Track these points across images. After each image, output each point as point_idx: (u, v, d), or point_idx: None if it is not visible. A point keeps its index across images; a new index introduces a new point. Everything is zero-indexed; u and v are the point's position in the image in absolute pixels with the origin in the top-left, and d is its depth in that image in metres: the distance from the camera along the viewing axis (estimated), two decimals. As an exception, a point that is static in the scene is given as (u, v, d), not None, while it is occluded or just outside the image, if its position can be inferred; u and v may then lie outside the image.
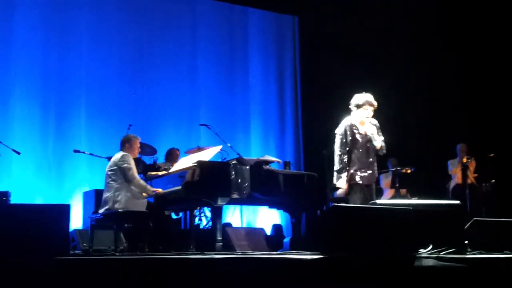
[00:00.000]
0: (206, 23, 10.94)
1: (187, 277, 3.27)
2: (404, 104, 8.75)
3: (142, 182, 6.48)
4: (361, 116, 6.32)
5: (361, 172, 6.16)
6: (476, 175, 9.05)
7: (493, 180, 8.75)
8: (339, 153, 6.21)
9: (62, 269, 3.19)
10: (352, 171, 6.16)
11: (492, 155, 8.55)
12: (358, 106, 6.31)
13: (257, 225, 10.06)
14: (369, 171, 6.21)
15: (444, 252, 3.90)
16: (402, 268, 3.46)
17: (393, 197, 8.53)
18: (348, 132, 6.23)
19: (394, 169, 8.58)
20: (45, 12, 9.48)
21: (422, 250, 3.92)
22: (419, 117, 9.68)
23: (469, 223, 4.70)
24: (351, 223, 3.56)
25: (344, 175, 6.11)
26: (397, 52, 10.11)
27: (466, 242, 4.36)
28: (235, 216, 9.86)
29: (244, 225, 9.87)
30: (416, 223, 3.72)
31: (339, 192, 6.18)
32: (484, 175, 8.92)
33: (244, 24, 11.35)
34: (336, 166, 6.21)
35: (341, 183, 6.17)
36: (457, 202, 4.74)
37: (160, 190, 6.47)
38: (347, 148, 6.21)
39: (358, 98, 6.35)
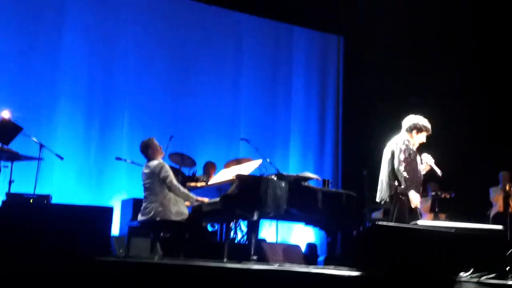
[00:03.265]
0: (252, 39, 11.04)
1: (222, 286, 3.27)
2: (447, 128, 8.63)
3: (184, 189, 6.45)
4: (419, 140, 6.11)
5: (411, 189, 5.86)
6: (518, 203, 8.86)
7: (535, 210, 8.56)
8: (402, 168, 5.85)
9: (102, 270, 3.22)
10: (403, 186, 5.87)
11: (536, 185, 8.38)
12: (419, 130, 6.09)
13: (292, 242, 10.01)
14: (418, 193, 5.98)
15: (485, 277, 3.83)
16: (441, 290, 3.41)
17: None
18: (411, 148, 5.98)
19: (434, 193, 8.47)
20: (93, 22, 9.70)
21: (463, 274, 3.85)
22: (461, 142, 9.54)
23: (511, 250, 4.60)
24: (391, 242, 3.52)
25: (413, 192, 5.77)
26: (442, 75, 10.01)
27: (508, 268, 4.27)
28: (270, 231, 9.82)
29: (279, 241, 9.82)
30: (458, 246, 3.66)
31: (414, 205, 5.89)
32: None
33: (289, 42, 11.42)
34: (402, 183, 5.82)
35: (415, 198, 5.79)
36: (500, 227, 4.64)
37: (205, 199, 6.44)
38: (405, 163, 5.92)
39: (419, 120, 6.12)
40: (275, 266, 3.99)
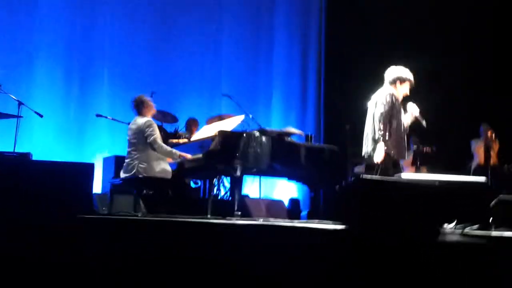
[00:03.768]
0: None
1: (206, 241, 3.25)
2: (429, 82, 8.60)
3: (167, 147, 6.42)
4: (403, 91, 6.04)
5: (395, 146, 5.87)
6: (498, 155, 8.92)
7: (517, 162, 8.64)
8: (382, 121, 5.81)
9: (84, 228, 3.19)
10: (388, 140, 5.84)
11: (517, 136, 8.43)
12: (402, 81, 6.02)
13: (275, 197, 10.05)
14: (402, 147, 5.97)
15: (468, 228, 3.86)
16: (426, 242, 3.43)
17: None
18: (395, 101, 5.92)
19: (416, 147, 8.49)
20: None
21: (446, 225, 3.88)
22: (443, 96, 9.53)
23: (494, 201, 4.64)
24: (375, 195, 3.51)
25: (382, 146, 5.77)
26: (426, 28, 9.93)
27: (491, 219, 4.31)
28: (254, 187, 9.84)
29: (262, 197, 9.85)
30: (441, 198, 3.67)
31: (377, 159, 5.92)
32: (507, 157, 8.79)
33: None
34: (377, 135, 5.83)
35: (378, 154, 5.80)
36: (483, 179, 4.67)
37: (188, 155, 6.40)
38: (389, 117, 5.87)
39: (402, 72, 6.05)
40: (259, 221, 3.99)
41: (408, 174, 5.49)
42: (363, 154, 6.06)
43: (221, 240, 3.28)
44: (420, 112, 6.08)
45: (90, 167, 3.89)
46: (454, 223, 3.95)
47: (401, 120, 5.98)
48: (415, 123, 6.15)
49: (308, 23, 11.52)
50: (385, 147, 5.77)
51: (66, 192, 3.62)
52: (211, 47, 10.60)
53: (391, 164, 5.79)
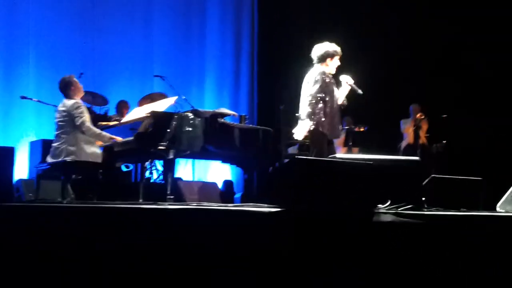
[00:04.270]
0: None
1: (138, 227, 3.14)
2: (358, 62, 8.63)
3: (96, 130, 6.23)
4: (334, 65, 5.99)
5: (329, 124, 5.83)
6: (427, 135, 9.11)
7: (445, 141, 8.82)
8: (313, 100, 5.76)
9: (5, 217, 2.99)
10: (322, 120, 5.79)
11: (445, 116, 8.59)
12: (331, 56, 5.94)
13: (208, 179, 9.98)
14: (337, 125, 5.95)
15: (402, 208, 3.88)
16: (361, 223, 3.42)
17: (345, 156, 8.52)
18: (326, 80, 5.87)
19: (348, 127, 8.55)
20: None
21: (380, 206, 3.89)
22: (373, 76, 9.61)
23: (427, 180, 4.70)
24: (310, 176, 3.48)
25: (308, 123, 5.75)
26: (352, 8, 9.98)
27: (423, 198, 4.35)
28: (187, 170, 9.73)
29: (196, 180, 9.77)
30: (376, 178, 3.67)
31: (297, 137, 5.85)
32: (435, 136, 8.99)
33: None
34: (304, 112, 5.77)
35: (301, 131, 5.79)
36: (417, 158, 4.72)
37: (119, 138, 6.22)
38: (321, 96, 5.81)
39: (328, 47, 5.99)
40: (192, 205, 3.89)
41: (342, 155, 5.50)
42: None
43: (153, 226, 3.17)
44: (355, 82, 6.07)
45: (9, 151, 3.66)
46: (388, 203, 3.97)
47: (334, 98, 5.95)
48: (351, 93, 6.13)
49: (241, 3, 11.41)
50: (320, 127, 5.75)
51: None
52: (141, 26, 10.35)
53: (326, 143, 5.77)
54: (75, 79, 6.38)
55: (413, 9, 9.92)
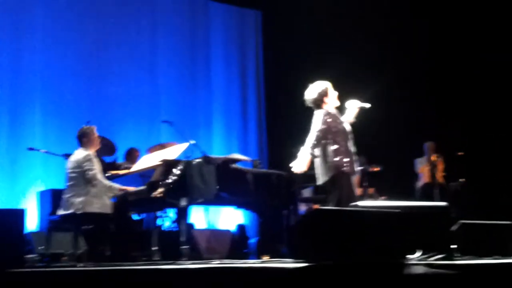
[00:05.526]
0: (166, 17, 10.63)
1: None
2: (371, 101, 8.54)
3: (106, 182, 6.14)
4: (333, 101, 5.78)
5: (347, 161, 5.58)
6: (444, 174, 8.92)
7: (462, 179, 8.63)
8: (314, 138, 5.54)
9: (15, 283, 2.82)
10: (337, 158, 5.56)
11: (461, 153, 8.41)
12: (324, 95, 5.72)
13: (221, 224, 9.80)
14: (353, 161, 5.70)
15: (433, 258, 3.69)
16: (391, 276, 3.24)
17: (361, 197, 8.34)
18: (329, 120, 5.62)
19: (362, 167, 8.37)
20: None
21: (410, 256, 3.71)
22: (386, 115, 9.51)
23: (455, 226, 4.51)
24: (334, 228, 3.31)
25: (304, 156, 5.53)
26: (366, 47, 9.92)
27: (454, 246, 4.16)
28: (199, 215, 9.55)
29: (207, 225, 9.58)
30: (404, 227, 3.50)
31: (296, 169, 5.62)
32: (452, 174, 8.80)
33: (205, 18, 11.07)
34: (306, 148, 5.56)
35: (298, 164, 5.56)
36: (445, 204, 4.53)
37: (130, 188, 6.09)
38: (331, 140, 5.61)
39: (316, 89, 5.76)
40: (214, 263, 3.72)
41: (365, 202, 5.29)
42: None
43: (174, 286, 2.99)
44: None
45: (20, 213, 3.48)
46: (418, 253, 3.79)
47: (346, 133, 5.76)
48: (361, 111, 5.94)
49: (245, 44, 11.41)
50: (340, 167, 5.53)
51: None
52: (147, 71, 10.29)
53: (347, 183, 5.56)
54: (94, 131, 6.30)
55: (426, 45, 9.86)
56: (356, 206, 4.27)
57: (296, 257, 3.52)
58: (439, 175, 8.83)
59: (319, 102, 5.80)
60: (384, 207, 3.96)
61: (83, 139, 6.26)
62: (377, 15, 9.96)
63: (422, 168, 9.03)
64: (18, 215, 3.49)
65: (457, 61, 9.64)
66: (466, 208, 7.97)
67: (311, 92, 5.84)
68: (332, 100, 5.83)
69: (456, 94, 9.56)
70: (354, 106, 5.89)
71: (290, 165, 5.70)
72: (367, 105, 5.87)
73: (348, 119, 5.89)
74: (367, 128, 8.41)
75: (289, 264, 3.25)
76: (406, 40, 9.98)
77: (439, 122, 9.46)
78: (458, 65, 9.58)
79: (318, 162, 5.68)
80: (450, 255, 3.93)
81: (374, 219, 3.49)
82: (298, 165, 5.62)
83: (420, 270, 3.37)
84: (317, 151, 5.63)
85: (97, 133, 6.38)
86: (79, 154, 6.16)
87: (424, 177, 9.00)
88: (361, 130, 6.18)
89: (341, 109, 5.98)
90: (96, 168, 6.07)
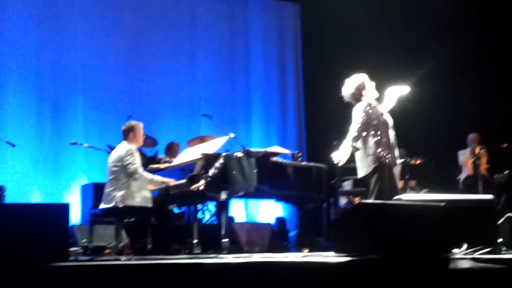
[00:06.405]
0: (206, 11, 10.66)
1: (201, 282, 2.96)
2: (411, 92, 8.41)
3: (148, 175, 6.17)
4: (371, 93, 5.68)
5: (388, 153, 5.49)
6: (488, 166, 8.73)
7: (507, 171, 8.43)
8: (356, 130, 5.47)
9: (58, 277, 2.84)
10: (379, 150, 5.46)
11: (505, 145, 8.19)
12: (362, 88, 5.65)
13: (260, 217, 9.80)
14: (394, 152, 5.60)
15: (479, 252, 3.61)
16: (437, 270, 3.17)
17: (402, 190, 8.23)
18: (370, 111, 5.55)
19: (403, 160, 8.25)
20: (39, 3, 9.16)
21: (456, 250, 3.63)
22: (428, 106, 9.34)
23: (502, 219, 4.40)
24: (377, 221, 3.26)
25: (349, 145, 5.47)
26: (405, 37, 9.75)
27: (500, 240, 4.06)
28: (239, 208, 9.56)
29: (247, 218, 9.60)
30: (449, 220, 3.42)
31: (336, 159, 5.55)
32: (497, 166, 8.60)
33: (244, 12, 11.07)
34: (347, 140, 5.50)
35: (340, 154, 5.49)
36: (491, 197, 4.42)
37: (171, 180, 6.13)
38: (372, 132, 5.52)
39: (353, 84, 5.69)
40: (257, 258, 3.70)
41: (408, 195, 5.19)
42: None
43: (217, 279, 2.98)
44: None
45: (64, 208, 3.52)
46: (464, 247, 3.71)
47: (386, 124, 5.67)
48: (401, 99, 5.82)
49: (284, 38, 11.36)
50: (382, 159, 5.46)
51: (38, 237, 3.25)
52: (187, 66, 10.34)
53: (387, 174, 5.46)
54: (141, 128, 6.33)
55: (474, 32, 9.65)
56: (399, 199, 4.20)
57: (337, 251, 3.49)
58: (483, 168, 8.65)
59: (357, 96, 5.73)
60: (428, 200, 3.88)
61: (129, 134, 6.28)
62: (416, 2, 9.79)
63: (466, 160, 8.84)
64: (63, 210, 3.53)
65: (506, 50, 9.38)
66: (510, 201, 7.80)
67: (348, 87, 5.78)
68: (370, 92, 5.75)
69: (502, 84, 9.32)
70: (393, 93, 5.78)
71: (331, 155, 5.65)
72: (407, 89, 5.76)
73: (388, 106, 5.79)
74: (409, 120, 8.32)
75: (330, 258, 3.22)
76: (451, 26, 9.76)
77: (483, 113, 9.24)
78: (506, 54, 9.32)
79: (359, 154, 5.61)
80: (496, 249, 3.84)
81: (418, 212, 3.42)
82: (340, 157, 5.57)
83: (466, 264, 3.30)
84: (358, 144, 5.57)
85: (142, 130, 6.41)
86: (121, 148, 6.20)
87: (467, 170, 8.82)
88: (403, 122, 6.08)
89: (381, 100, 5.89)
90: (137, 162, 6.11)
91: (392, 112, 5.90)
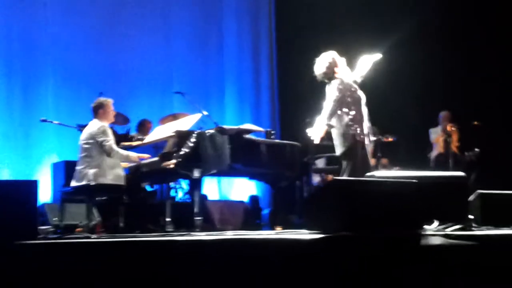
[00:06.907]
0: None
1: (174, 259, 2.94)
2: (384, 71, 8.42)
3: (123, 152, 6.10)
4: (343, 68, 5.69)
5: (362, 130, 5.53)
6: (459, 144, 8.81)
7: (477, 149, 8.52)
8: (330, 108, 5.47)
9: (26, 255, 2.79)
10: (353, 128, 5.49)
11: (476, 123, 8.27)
12: (334, 65, 5.65)
13: (233, 195, 9.79)
14: (368, 129, 5.64)
15: (451, 229, 3.65)
16: (408, 247, 3.20)
17: (374, 167, 8.27)
18: (342, 88, 5.55)
19: (375, 138, 8.28)
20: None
21: (427, 227, 3.66)
22: (399, 84, 9.38)
23: (473, 196, 4.45)
24: (350, 198, 3.27)
25: (320, 125, 5.47)
26: (379, 14, 9.75)
27: (471, 217, 4.11)
28: (212, 186, 9.55)
29: (220, 196, 9.60)
30: (420, 197, 3.44)
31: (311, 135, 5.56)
32: (467, 144, 8.69)
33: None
34: (321, 118, 5.50)
35: (314, 132, 5.49)
36: (462, 174, 4.46)
37: (147, 156, 6.06)
38: (346, 109, 5.54)
39: (324, 62, 5.68)
40: (230, 234, 3.69)
41: (381, 172, 5.22)
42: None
43: (188, 258, 2.97)
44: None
45: (33, 185, 3.46)
46: (435, 224, 3.74)
47: (359, 99, 5.67)
48: (373, 66, 5.83)
49: (258, 15, 11.28)
50: (356, 136, 5.47)
51: (4, 215, 3.18)
52: (160, 43, 10.24)
53: (360, 151, 5.46)
54: (111, 104, 6.24)
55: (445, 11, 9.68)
56: (372, 176, 4.21)
57: (311, 228, 3.49)
58: (454, 145, 8.72)
59: (330, 74, 5.73)
60: (400, 177, 3.90)
61: (99, 110, 6.19)
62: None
63: (437, 138, 8.91)
64: (31, 186, 3.46)
65: (482, 26, 9.42)
66: (480, 178, 7.90)
67: (319, 66, 5.78)
68: (342, 68, 5.75)
69: (474, 61, 9.38)
70: (366, 61, 5.79)
71: (306, 131, 5.64)
72: (378, 56, 5.77)
73: (361, 73, 5.80)
74: (381, 97, 8.34)
75: (304, 235, 3.23)
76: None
77: (454, 91, 9.31)
78: (481, 31, 9.36)
79: (335, 132, 5.62)
80: (467, 226, 3.88)
81: (390, 189, 3.44)
82: (314, 134, 5.56)
83: (437, 241, 3.33)
84: (333, 121, 5.57)
85: (112, 106, 6.33)
86: (93, 125, 6.11)
87: (438, 147, 8.89)
88: (374, 98, 6.09)
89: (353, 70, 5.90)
90: (111, 139, 6.04)
91: (364, 89, 5.92)
